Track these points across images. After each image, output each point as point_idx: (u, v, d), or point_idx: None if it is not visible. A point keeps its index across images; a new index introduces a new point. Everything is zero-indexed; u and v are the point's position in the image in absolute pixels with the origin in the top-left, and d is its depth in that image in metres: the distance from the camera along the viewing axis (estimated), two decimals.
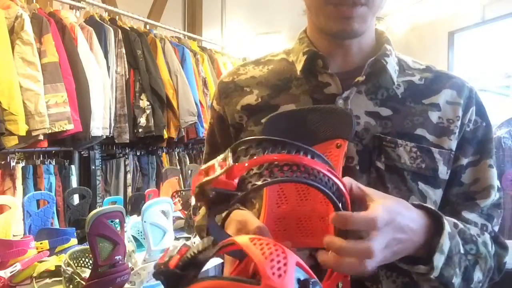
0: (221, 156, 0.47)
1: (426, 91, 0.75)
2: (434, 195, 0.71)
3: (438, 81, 0.76)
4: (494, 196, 0.73)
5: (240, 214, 0.63)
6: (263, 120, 0.78)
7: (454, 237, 0.61)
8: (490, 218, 0.73)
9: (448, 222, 0.61)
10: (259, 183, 0.44)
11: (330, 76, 0.73)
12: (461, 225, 0.67)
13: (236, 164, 0.45)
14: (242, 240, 0.39)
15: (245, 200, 0.76)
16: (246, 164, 0.45)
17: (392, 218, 0.53)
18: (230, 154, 0.46)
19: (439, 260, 0.58)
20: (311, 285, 0.38)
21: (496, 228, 0.74)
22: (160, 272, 0.42)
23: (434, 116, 0.73)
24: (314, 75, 0.75)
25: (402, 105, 0.73)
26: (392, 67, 0.74)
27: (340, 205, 0.51)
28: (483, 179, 0.74)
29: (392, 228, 0.53)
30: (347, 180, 0.55)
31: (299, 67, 0.76)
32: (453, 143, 0.72)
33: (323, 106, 0.67)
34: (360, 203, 0.54)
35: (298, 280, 0.37)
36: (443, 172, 0.71)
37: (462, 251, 0.63)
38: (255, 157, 0.45)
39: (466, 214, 0.72)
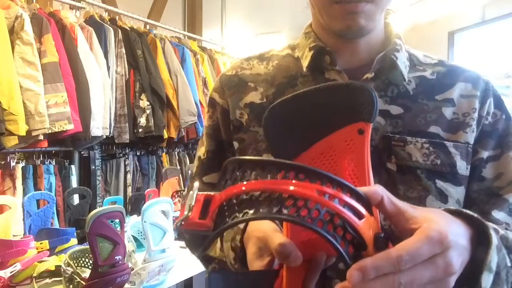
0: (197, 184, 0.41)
1: (439, 86, 0.71)
2: (456, 193, 0.66)
3: (451, 75, 0.72)
4: None
5: (259, 229, 0.55)
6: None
7: (501, 249, 0.51)
8: None
9: (494, 232, 0.50)
10: (230, 221, 0.37)
11: (337, 73, 0.70)
12: (502, 231, 0.56)
13: (207, 197, 0.39)
14: None
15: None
16: (200, 197, 0.39)
17: (450, 242, 0.42)
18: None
19: (487, 280, 0.48)
20: None
21: None
22: (187, 234, 0.38)
23: (448, 112, 0.69)
24: (321, 72, 0.71)
25: (413, 102, 0.69)
26: (402, 62, 0.70)
27: (349, 248, 0.37)
28: (508, 173, 0.68)
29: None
30: (378, 191, 0.42)
31: (305, 63, 0.73)
32: (469, 136, 0.68)
33: (333, 83, 0.54)
34: (395, 225, 0.43)
35: None
36: (462, 167, 0.67)
37: (509, 263, 0.52)
38: (229, 186, 0.38)
39: (496, 214, 0.66)
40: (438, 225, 0.42)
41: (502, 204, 0.67)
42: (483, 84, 0.72)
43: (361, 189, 0.40)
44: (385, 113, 0.68)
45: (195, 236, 0.40)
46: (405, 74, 0.70)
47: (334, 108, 0.52)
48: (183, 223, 0.39)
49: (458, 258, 0.42)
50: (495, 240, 0.49)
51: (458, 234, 0.44)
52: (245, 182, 0.38)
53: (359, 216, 0.38)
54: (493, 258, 0.48)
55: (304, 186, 0.36)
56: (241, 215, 0.36)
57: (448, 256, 0.41)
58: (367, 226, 0.38)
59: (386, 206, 0.42)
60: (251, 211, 0.36)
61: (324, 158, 0.52)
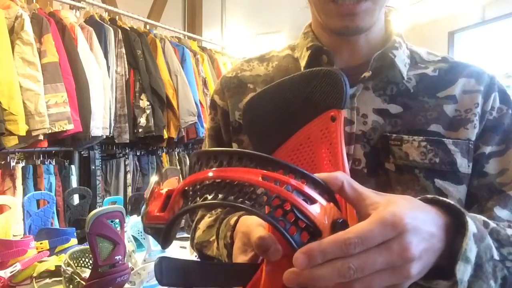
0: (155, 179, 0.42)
1: (440, 83, 0.69)
2: (457, 192, 0.65)
3: (454, 71, 0.71)
4: None
5: (245, 224, 0.55)
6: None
7: (484, 239, 0.48)
8: None
9: (473, 220, 0.47)
10: (182, 209, 0.38)
11: None
12: (493, 224, 0.54)
13: (156, 190, 0.40)
14: None
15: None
16: (163, 191, 0.40)
17: (406, 224, 0.40)
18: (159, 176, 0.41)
19: (463, 271, 0.44)
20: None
21: None
22: (151, 230, 0.39)
23: (450, 109, 0.67)
24: None
25: (414, 100, 0.67)
26: (401, 60, 0.69)
27: (301, 235, 0.36)
28: None
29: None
30: (338, 177, 0.41)
31: (303, 63, 0.73)
32: (470, 132, 0.66)
33: (304, 72, 0.55)
34: (358, 212, 0.42)
35: None
36: (463, 165, 0.64)
37: (497, 256, 0.49)
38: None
39: (498, 211, 0.63)
40: (396, 208, 0.40)
41: (506, 201, 0.64)
42: (488, 79, 0.70)
43: (320, 175, 0.40)
44: (384, 112, 0.67)
45: (157, 230, 0.40)
46: (404, 72, 0.69)
47: (308, 97, 0.53)
48: (144, 219, 0.39)
49: (418, 244, 0.40)
50: (472, 228, 0.46)
51: (422, 220, 0.42)
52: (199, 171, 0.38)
53: (312, 201, 0.37)
54: (471, 248, 0.45)
55: (249, 172, 0.36)
56: (200, 200, 0.36)
57: (404, 240, 0.39)
58: (322, 212, 0.37)
59: (347, 192, 0.41)
60: (210, 196, 0.36)
61: (303, 149, 0.52)
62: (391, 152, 0.65)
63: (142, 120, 2.95)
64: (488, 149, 0.67)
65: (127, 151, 3.20)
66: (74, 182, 2.65)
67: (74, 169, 2.68)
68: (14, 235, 1.45)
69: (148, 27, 3.39)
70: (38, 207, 1.88)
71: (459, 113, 0.67)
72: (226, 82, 0.79)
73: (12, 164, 2.37)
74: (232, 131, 0.75)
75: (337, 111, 0.51)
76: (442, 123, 0.66)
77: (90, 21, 2.77)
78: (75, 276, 1.17)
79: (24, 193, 2.31)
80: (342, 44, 0.71)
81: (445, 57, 0.74)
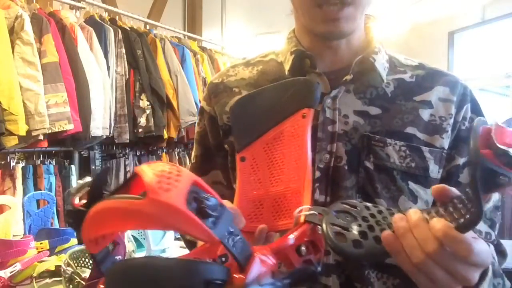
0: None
1: (417, 89, 0.73)
2: (425, 195, 0.69)
3: (430, 78, 0.74)
4: (495, 197, 0.70)
5: None
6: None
7: (491, 278, 0.53)
8: (493, 224, 0.70)
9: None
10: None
11: (318, 75, 0.72)
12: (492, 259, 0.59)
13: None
14: (143, 167, 0.37)
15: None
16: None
17: None
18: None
19: None
20: (207, 202, 0.36)
21: (496, 232, 0.71)
22: (68, 214, 0.42)
23: (425, 113, 0.70)
24: (302, 75, 0.73)
25: (391, 103, 0.71)
26: (380, 65, 0.72)
27: None
28: None
29: None
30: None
31: (287, 67, 0.75)
32: (445, 142, 0.70)
33: (286, 81, 0.66)
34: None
35: (195, 199, 0.36)
36: (434, 171, 0.69)
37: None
38: None
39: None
40: None
41: None
42: (461, 88, 0.74)
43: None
44: (364, 113, 0.70)
45: (75, 215, 0.43)
46: (383, 76, 0.72)
47: (286, 99, 0.62)
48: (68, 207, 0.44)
49: None
50: (490, 274, 0.51)
51: None
52: None
53: None
54: None
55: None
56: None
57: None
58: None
59: None
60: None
61: (276, 143, 0.61)
62: (373, 152, 0.68)
63: (142, 120, 2.94)
64: (462, 160, 0.70)
65: (127, 151, 3.20)
66: (74, 182, 2.65)
67: (74, 169, 2.68)
68: (14, 235, 1.45)
69: (148, 27, 3.39)
70: (38, 207, 1.88)
71: (434, 118, 0.71)
72: (213, 88, 0.82)
73: (12, 164, 2.37)
74: (223, 134, 0.78)
75: (308, 110, 0.60)
76: (417, 126, 0.70)
77: (90, 21, 2.77)
78: (75, 276, 1.17)
79: (24, 193, 2.31)
80: (324, 48, 0.74)
81: (422, 64, 0.77)
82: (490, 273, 0.51)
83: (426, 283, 0.45)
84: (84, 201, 0.43)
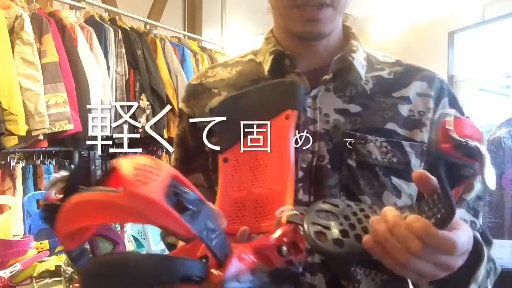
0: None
1: (395, 85, 0.73)
2: (409, 189, 0.70)
3: (408, 74, 0.75)
4: (477, 187, 0.71)
5: None
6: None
7: (487, 263, 0.57)
8: (477, 213, 0.71)
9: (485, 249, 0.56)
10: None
11: (297, 75, 0.72)
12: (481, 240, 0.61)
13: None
14: (122, 160, 0.37)
15: None
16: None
17: None
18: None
19: None
20: (186, 196, 0.36)
21: (481, 221, 0.73)
22: (44, 208, 0.41)
23: (404, 109, 0.71)
24: (281, 75, 0.74)
25: (371, 100, 0.72)
26: (359, 63, 0.73)
27: None
28: None
29: None
30: None
31: (266, 67, 0.75)
32: (425, 135, 0.71)
33: (271, 82, 0.67)
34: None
35: (175, 193, 0.35)
36: (416, 165, 0.70)
37: (486, 274, 0.59)
38: None
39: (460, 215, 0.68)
40: None
41: (460, 202, 0.69)
42: (438, 83, 0.75)
43: None
44: (344, 111, 0.71)
45: (50, 209, 0.42)
46: (362, 74, 0.73)
47: (271, 100, 0.63)
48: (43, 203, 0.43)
49: None
50: (485, 257, 0.54)
51: None
52: None
53: None
54: (482, 273, 0.53)
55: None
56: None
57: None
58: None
59: None
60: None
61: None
62: (355, 150, 0.69)
63: (142, 120, 2.94)
64: None
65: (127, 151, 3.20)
66: None
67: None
68: (14, 235, 1.45)
69: (148, 27, 3.39)
70: (38, 207, 1.88)
71: (413, 113, 0.72)
72: (192, 90, 0.82)
73: (12, 164, 2.37)
74: (202, 136, 0.78)
75: (291, 111, 0.61)
76: (397, 122, 0.71)
77: (90, 21, 2.77)
78: (75, 276, 1.17)
79: (24, 193, 2.31)
80: (303, 48, 0.74)
81: (398, 60, 0.78)
82: (485, 258, 0.53)
83: (415, 277, 0.47)
84: (60, 196, 0.42)
